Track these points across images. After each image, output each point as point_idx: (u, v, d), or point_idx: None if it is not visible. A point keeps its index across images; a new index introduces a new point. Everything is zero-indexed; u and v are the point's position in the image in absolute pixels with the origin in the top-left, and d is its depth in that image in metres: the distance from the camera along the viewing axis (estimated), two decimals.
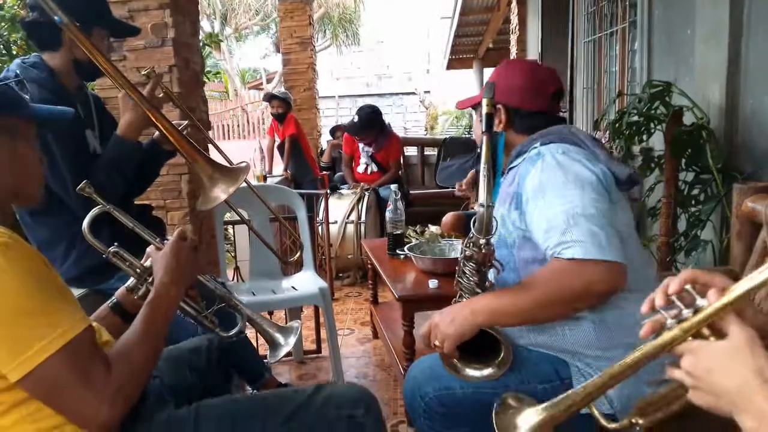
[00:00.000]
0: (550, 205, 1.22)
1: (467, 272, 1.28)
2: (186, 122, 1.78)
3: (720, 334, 0.70)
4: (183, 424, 1.14)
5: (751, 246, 1.74)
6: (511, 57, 6.67)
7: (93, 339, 0.99)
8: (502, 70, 1.51)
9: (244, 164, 1.65)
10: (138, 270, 1.24)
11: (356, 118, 4.55)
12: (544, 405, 0.87)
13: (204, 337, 1.49)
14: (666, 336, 0.73)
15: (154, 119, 1.61)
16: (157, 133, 1.74)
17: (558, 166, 1.26)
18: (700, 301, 0.72)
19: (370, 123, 4.55)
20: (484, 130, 1.26)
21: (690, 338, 0.72)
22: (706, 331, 0.71)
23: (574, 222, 1.17)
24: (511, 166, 1.43)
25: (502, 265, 1.32)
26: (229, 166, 1.67)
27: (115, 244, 1.24)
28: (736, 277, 1.84)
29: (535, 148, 1.35)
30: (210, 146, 2.02)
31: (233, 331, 1.32)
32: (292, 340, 1.35)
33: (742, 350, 0.67)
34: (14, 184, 1.04)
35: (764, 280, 0.66)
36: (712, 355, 0.69)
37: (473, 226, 1.23)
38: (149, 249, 1.23)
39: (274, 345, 1.36)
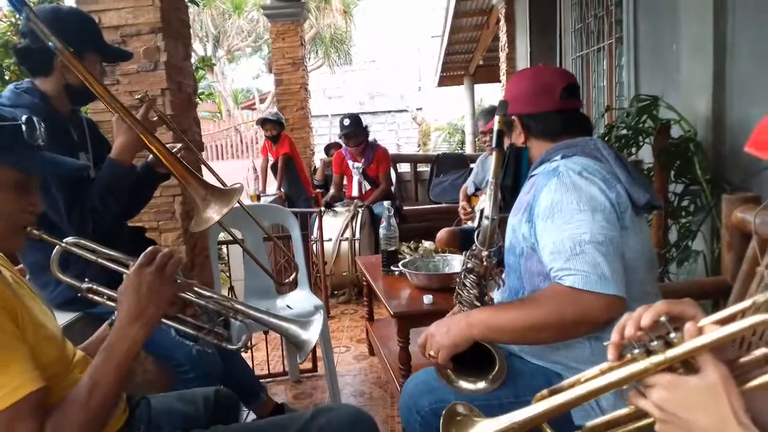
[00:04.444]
0: (558, 228, 1.21)
1: (468, 284, 1.30)
2: (180, 145, 1.79)
3: (691, 368, 0.69)
4: None
5: (742, 256, 1.76)
6: (501, 74, 6.75)
7: (38, 401, 0.93)
8: (510, 83, 1.53)
9: (237, 185, 1.66)
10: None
11: (346, 122, 4.62)
12: (501, 418, 0.84)
13: (211, 389, 1.45)
14: (635, 367, 0.71)
15: (147, 142, 1.62)
16: (151, 156, 1.75)
17: (572, 188, 1.23)
18: (673, 335, 0.70)
19: (357, 122, 4.63)
20: (494, 146, 1.28)
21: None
22: (676, 364, 0.70)
23: (580, 249, 1.16)
24: (532, 173, 1.41)
25: (503, 280, 1.32)
26: (222, 187, 1.68)
27: (86, 279, 1.18)
28: (727, 289, 1.84)
29: (556, 160, 1.34)
30: (204, 167, 2.03)
31: (240, 344, 1.23)
32: (315, 331, 1.18)
33: (716, 389, 0.66)
34: None
35: (748, 326, 0.66)
36: (687, 392, 0.67)
37: (476, 238, 1.24)
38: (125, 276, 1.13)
39: (299, 344, 1.20)
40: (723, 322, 0.70)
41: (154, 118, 1.77)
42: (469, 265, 1.27)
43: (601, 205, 1.22)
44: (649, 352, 0.71)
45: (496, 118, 1.29)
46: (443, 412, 0.93)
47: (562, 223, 1.21)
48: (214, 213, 1.56)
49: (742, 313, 0.70)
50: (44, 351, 1.02)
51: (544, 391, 0.85)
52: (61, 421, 0.94)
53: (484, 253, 1.21)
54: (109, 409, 1.01)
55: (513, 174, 1.46)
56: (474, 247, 1.25)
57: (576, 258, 1.16)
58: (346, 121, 4.61)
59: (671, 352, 0.69)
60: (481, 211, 3.49)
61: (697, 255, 2.22)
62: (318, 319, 1.19)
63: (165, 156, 1.63)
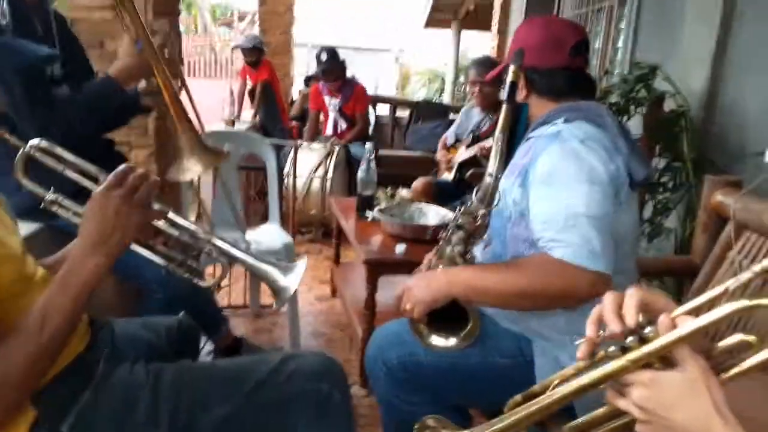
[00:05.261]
0: (554, 197, 1.17)
1: (453, 240, 1.26)
2: (178, 82, 1.68)
3: (668, 362, 0.66)
4: (139, 390, 1.07)
5: (715, 238, 1.77)
6: (493, 23, 6.57)
7: None
8: (519, 31, 1.42)
9: (225, 150, 1.59)
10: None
11: (323, 56, 4.44)
12: (474, 430, 0.79)
13: (174, 319, 1.39)
14: (611, 366, 0.68)
15: (156, 72, 1.50)
16: (141, 84, 1.66)
17: (573, 156, 1.19)
18: (647, 329, 0.67)
19: (335, 56, 4.47)
20: (505, 98, 1.22)
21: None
22: (653, 360, 0.67)
23: (574, 222, 1.13)
24: (530, 135, 1.35)
25: (490, 240, 1.29)
26: (209, 146, 1.57)
27: (51, 189, 1.07)
28: (695, 269, 1.85)
29: (557, 123, 1.27)
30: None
31: (213, 281, 1.12)
32: (296, 278, 1.09)
33: (697, 383, 0.64)
34: None
35: (723, 316, 0.63)
36: (668, 390, 0.65)
37: (475, 195, 1.20)
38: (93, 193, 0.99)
39: (277, 289, 1.10)
40: (695, 311, 0.67)
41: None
42: (460, 221, 1.23)
43: (599, 177, 1.18)
44: (624, 349, 0.67)
45: (511, 68, 1.22)
46: (415, 426, 0.89)
47: (559, 190, 1.17)
48: (193, 166, 1.48)
49: (714, 302, 0.67)
50: (0, 272, 0.94)
51: (518, 397, 0.81)
52: (9, 353, 0.87)
53: (481, 212, 1.17)
54: (62, 342, 0.94)
55: (509, 131, 1.40)
56: (470, 203, 1.20)
57: (569, 230, 1.13)
58: (324, 56, 4.42)
59: (647, 348, 0.66)
60: (460, 164, 3.43)
61: (669, 232, 2.24)
62: (300, 266, 1.10)
63: (168, 93, 1.52)
